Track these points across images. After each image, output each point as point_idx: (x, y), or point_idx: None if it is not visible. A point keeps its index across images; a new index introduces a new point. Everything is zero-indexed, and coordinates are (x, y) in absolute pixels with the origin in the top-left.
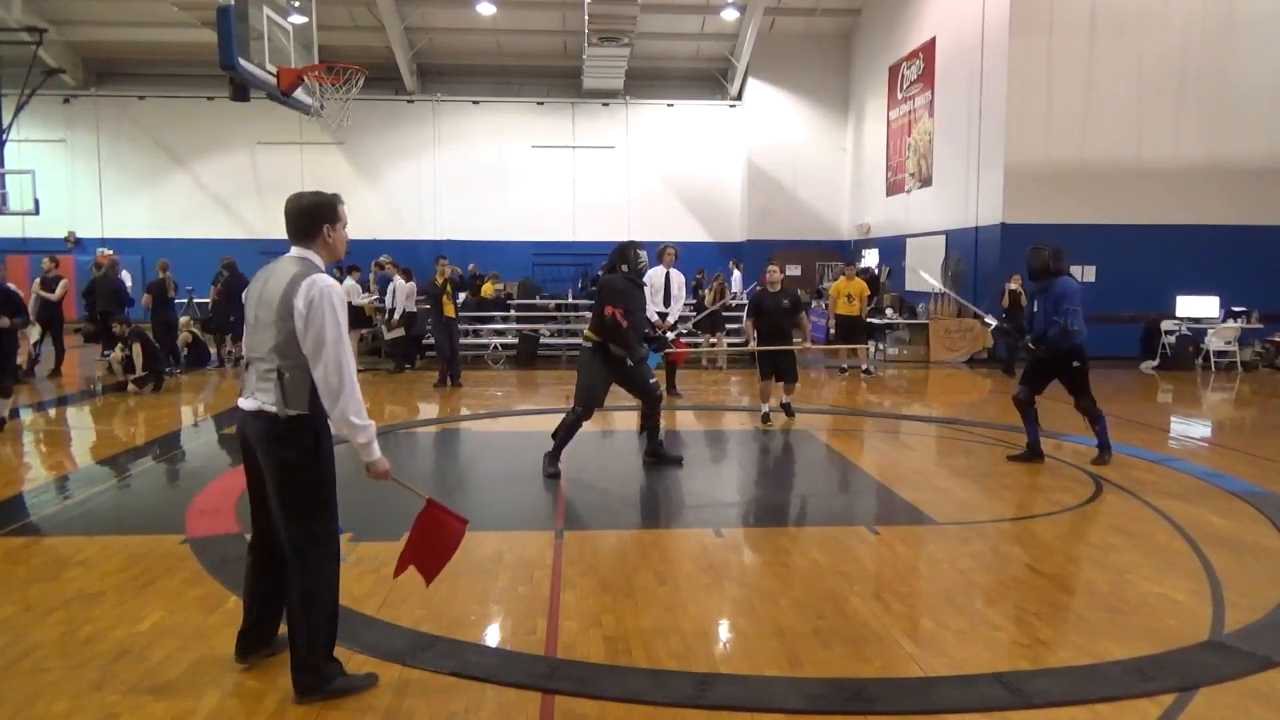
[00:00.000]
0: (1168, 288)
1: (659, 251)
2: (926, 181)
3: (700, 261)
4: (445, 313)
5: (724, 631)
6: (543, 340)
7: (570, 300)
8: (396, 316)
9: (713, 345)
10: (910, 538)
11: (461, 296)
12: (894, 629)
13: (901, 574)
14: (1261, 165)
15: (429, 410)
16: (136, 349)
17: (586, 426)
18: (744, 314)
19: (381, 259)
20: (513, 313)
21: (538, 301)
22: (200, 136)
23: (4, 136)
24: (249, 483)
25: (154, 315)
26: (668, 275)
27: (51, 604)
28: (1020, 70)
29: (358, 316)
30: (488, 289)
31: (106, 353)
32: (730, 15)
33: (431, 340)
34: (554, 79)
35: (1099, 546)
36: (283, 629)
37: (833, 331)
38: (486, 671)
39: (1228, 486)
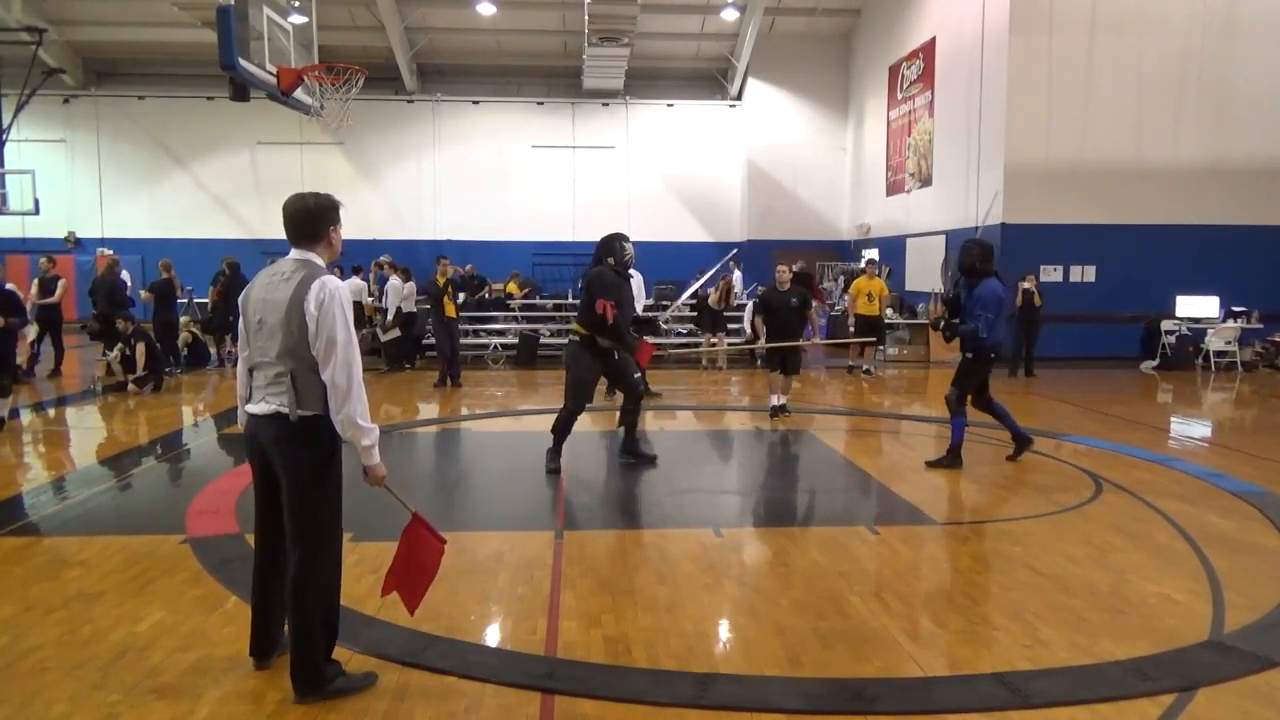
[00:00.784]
0: (1168, 288)
1: None
2: (926, 181)
3: (700, 261)
4: (446, 313)
5: (724, 631)
6: (543, 340)
7: (570, 300)
8: (390, 316)
9: (713, 345)
10: (910, 538)
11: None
12: (894, 629)
13: (901, 574)
14: (1261, 165)
15: (429, 410)
16: (140, 348)
17: (587, 427)
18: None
19: (381, 259)
20: (519, 311)
21: (538, 301)
22: (200, 136)
23: (4, 136)
24: (257, 487)
25: (156, 315)
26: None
27: (51, 604)
28: (1020, 70)
29: (358, 316)
30: (512, 287)
31: (107, 353)
32: (730, 15)
33: (432, 340)
34: (554, 79)
35: (1099, 546)
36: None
37: (852, 330)
38: (486, 671)
39: (1228, 486)
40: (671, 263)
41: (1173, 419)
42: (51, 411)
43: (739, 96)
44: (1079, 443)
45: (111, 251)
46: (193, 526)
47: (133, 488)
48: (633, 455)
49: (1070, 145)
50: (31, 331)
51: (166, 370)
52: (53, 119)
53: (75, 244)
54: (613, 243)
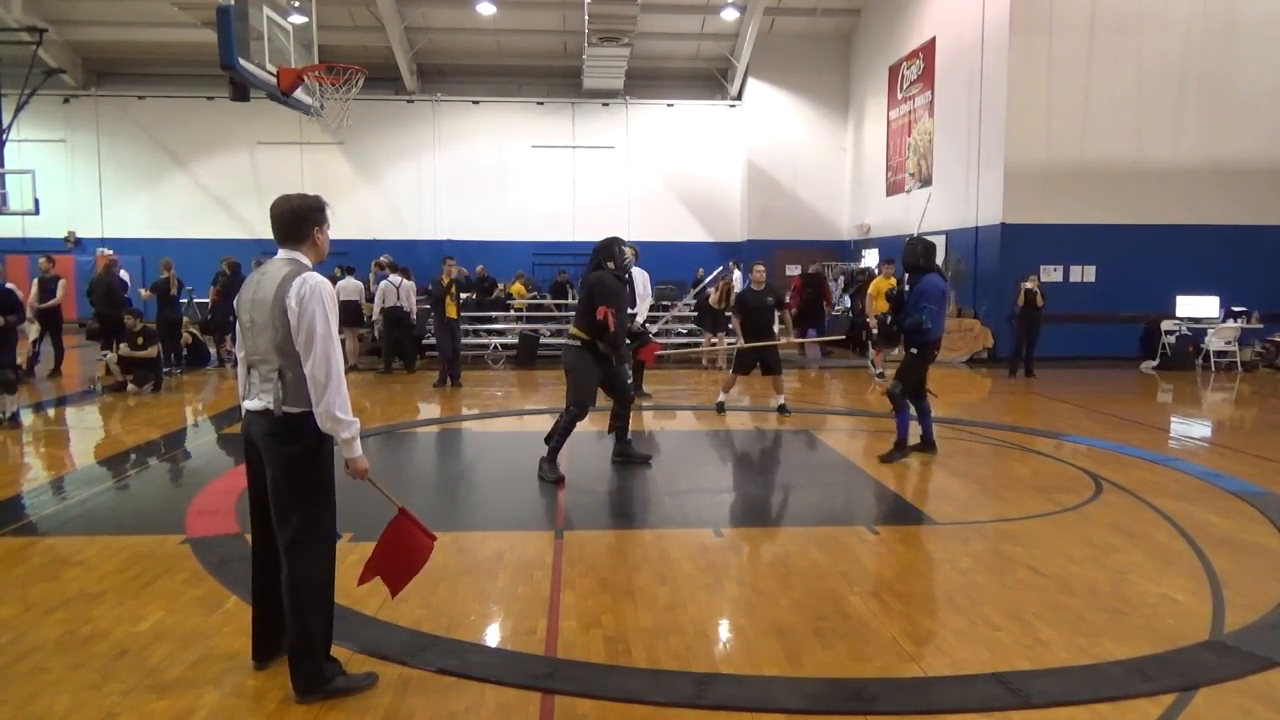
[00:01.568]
0: (1168, 288)
1: None
2: (926, 181)
3: (701, 261)
4: (447, 314)
5: (724, 631)
6: (543, 340)
7: (570, 300)
8: (376, 314)
9: (713, 345)
10: (910, 538)
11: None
12: (894, 629)
13: (901, 574)
14: (1261, 165)
15: (429, 410)
16: (153, 349)
17: (586, 427)
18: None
19: (381, 259)
20: (523, 311)
21: (546, 301)
22: (200, 136)
23: (4, 136)
24: (251, 484)
25: (159, 314)
26: (631, 275)
27: (51, 604)
28: (1020, 70)
29: (355, 316)
30: (518, 289)
31: (105, 353)
32: (730, 15)
33: (433, 340)
34: (554, 79)
35: (1099, 546)
36: None
37: (875, 331)
38: (486, 671)
39: (1228, 486)
40: (671, 263)
41: (1173, 419)
42: (51, 411)
43: (739, 96)
44: (1079, 443)
45: (110, 251)
46: (193, 526)
47: (132, 488)
48: (625, 458)
49: (1070, 145)
50: (33, 331)
51: (166, 370)
52: (53, 119)
53: (75, 244)
54: (611, 247)
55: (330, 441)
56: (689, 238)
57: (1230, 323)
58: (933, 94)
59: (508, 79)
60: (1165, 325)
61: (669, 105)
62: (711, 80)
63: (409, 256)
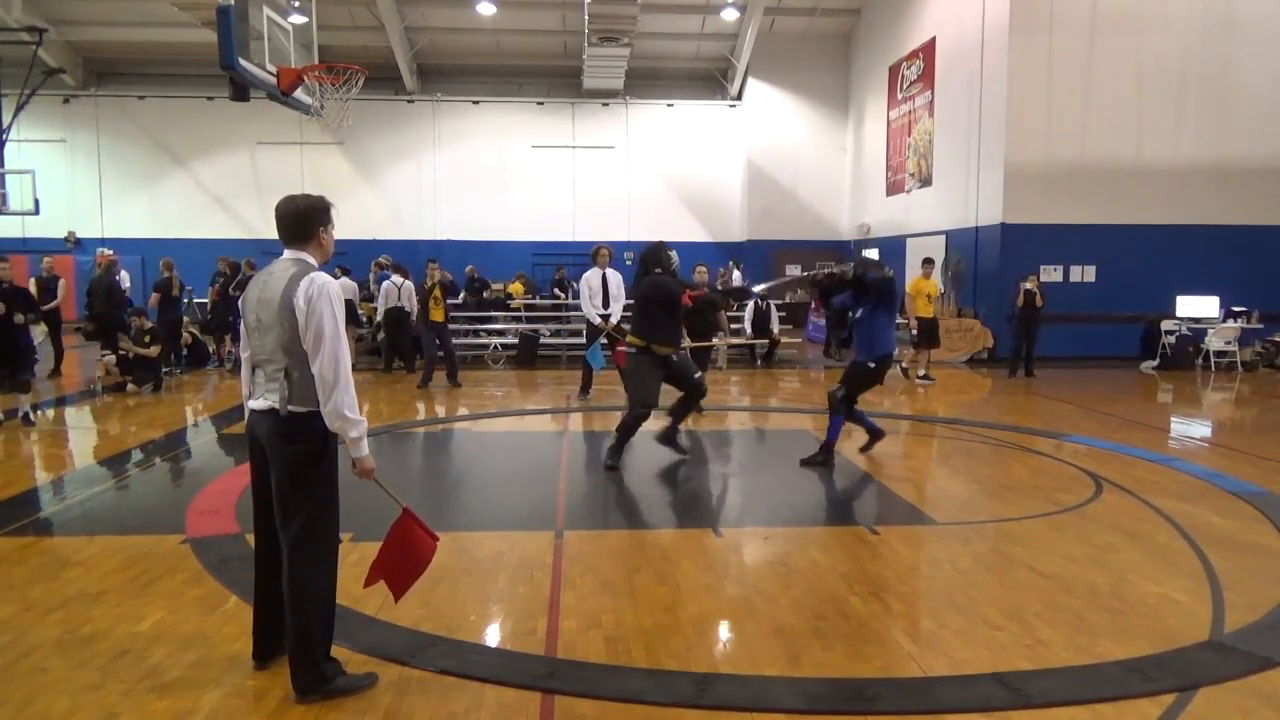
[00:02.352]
0: (1168, 288)
1: (593, 253)
2: (926, 181)
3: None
4: (432, 316)
5: (724, 631)
6: (543, 340)
7: (570, 300)
8: (379, 317)
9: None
10: (910, 538)
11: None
12: (894, 629)
13: (901, 574)
14: (1261, 165)
15: (429, 410)
16: (155, 349)
17: (586, 426)
18: (745, 313)
19: (381, 259)
20: (523, 311)
21: (538, 301)
22: (200, 136)
23: (4, 136)
24: (255, 483)
25: (160, 314)
26: (605, 276)
27: (51, 604)
28: (1020, 70)
29: (351, 316)
30: (516, 289)
31: (105, 353)
32: (730, 15)
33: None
34: (554, 79)
35: (1099, 546)
36: None
37: (914, 334)
38: (486, 671)
39: (1228, 486)
40: None
41: (1173, 419)
42: (51, 411)
43: (739, 96)
44: (1079, 443)
45: (110, 251)
46: (193, 526)
47: (132, 488)
48: (668, 444)
49: (1070, 145)
50: (39, 333)
51: (166, 370)
52: (53, 119)
53: (75, 244)
54: (659, 252)
55: (335, 442)
56: (689, 238)
57: (1230, 323)
58: (933, 94)
59: (508, 79)
60: (1165, 325)
61: (669, 105)
62: (711, 80)
63: (409, 256)
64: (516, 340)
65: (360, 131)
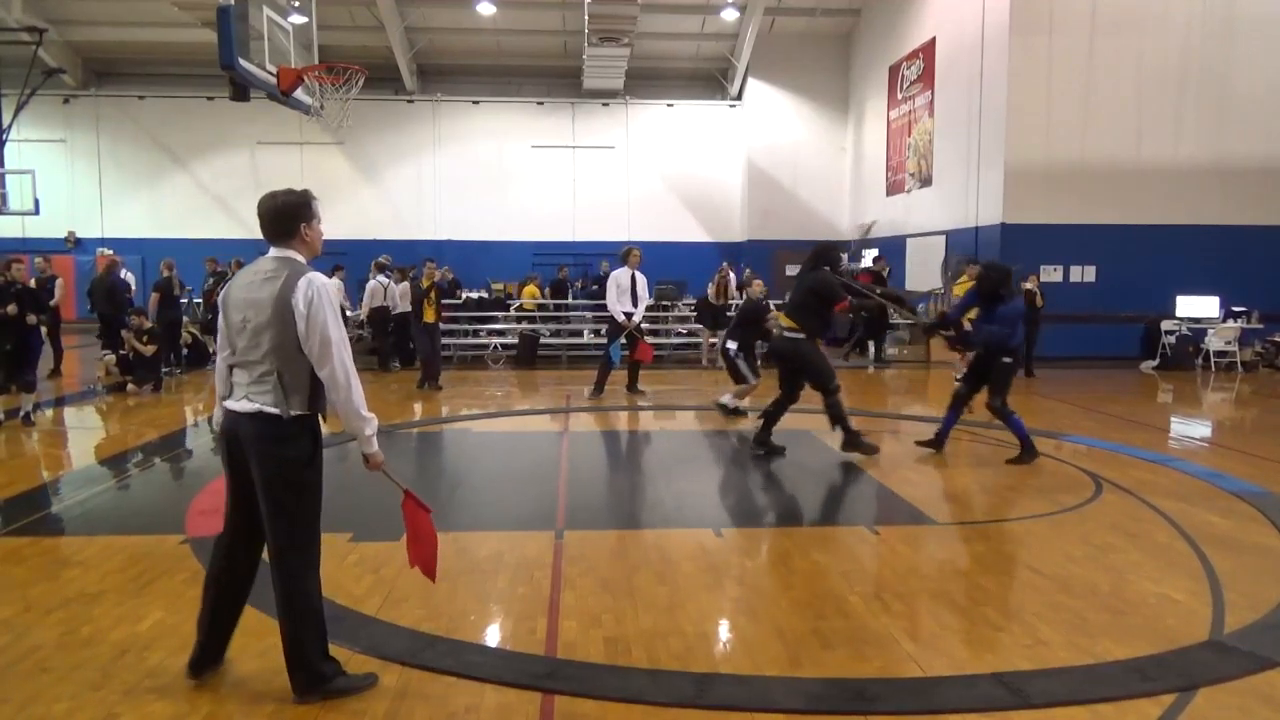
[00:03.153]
0: (1168, 288)
1: (624, 254)
2: (926, 181)
3: (701, 261)
4: (425, 317)
5: (724, 631)
6: (543, 340)
7: (570, 300)
8: (363, 316)
9: (713, 345)
10: (910, 538)
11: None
12: (894, 629)
13: (901, 574)
14: (1261, 165)
15: (428, 410)
16: (152, 348)
17: (586, 426)
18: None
19: (381, 259)
20: (534, 312)
21: (565, 302)
22: (200, 136)
23: (4, 136)
24: (233, 486)
25: (160, 314)
26: (634, 276)
27: (51, 604)
28: (1020, 70)
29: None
30: (531, 291)
31: (105, 352)
32: (730, 15)
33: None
34: (554, 79)
35: (1099, 546)
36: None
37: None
38: (486, 671)
39: (1228, 486)
40: (671, 263)
41: (1173, 419)
42: (51, 411)
43: (739, 96)
44: (1079, 443)
45: (111, 252)
46: (193, 526)
47: (133, 488)
48: (766, 447)
49: (1070, 145)
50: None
51: (166, 370)
52: (53, 119)
53: (75, 244)
54: (830, 251)
55: (322, 444)
56: (689, 238)
57: (1230, 323)
58: (933, 94)
59: (508, 79)
60: (1165, 325)
61: (669, 105)
62: (711, 80)
63: (409, 256)
64: (516, 340)
65: (360, 131)
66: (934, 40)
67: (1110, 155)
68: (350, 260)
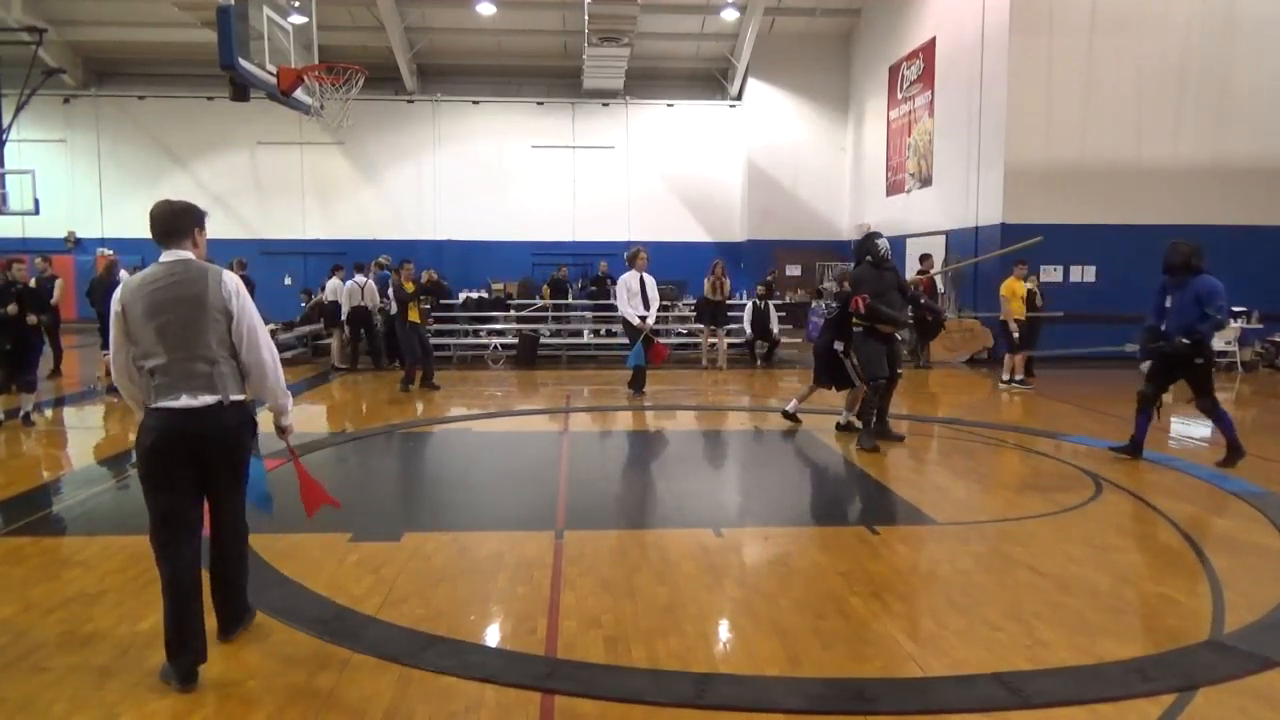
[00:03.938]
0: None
1: (631, 255)
2: (926, 181)
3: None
4: (410, 318)
5: (724, 631)
6: (542, 340)
7: (570, 300)
8: (343, 315)
9: (713, 345)
10: (910, 538)
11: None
12: (894, 629)
13: (901, 574)
14: (1261, 165)
15: (428, 411)
16: None
17: (586, 426)
18: (744, 313)
19: (381, 259)
20: (550, 311)
21: (537, 301)
22: (200, 136)
23: (4, 136)
24: (179, 484)
25: None
26: (642, 278)
27: (51, 604)
28: (1020, 70)
29: (337, 315)
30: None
31: (105, 352)
32: (730, 15)
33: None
34: (554, 79)
35: (1099, 546)
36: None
37: (1017, 338)
38: (486, 671)
39: (1228, 486)
40: (671, 263)
41: (1173, 419)
42: (51, 411)
43: (739, 96)
44: (1079, 443)
45: (111, 251)
46: None
47: (132, 488)
48: (883, 435)
49: (1070, 145)
50: None
51: None
52: (53, 119)
53: (75, 244)
54: (866, 243)
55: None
56: (689, 238)
57: (1230, 323)
58: (933, 94)
59: (508, 79)
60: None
61: (669, 105)
62: (711, 80)
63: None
64: (516, 340)
65: (360, 131)
66: (934, 40)
67: (1110, 155)
68: (350, 260)
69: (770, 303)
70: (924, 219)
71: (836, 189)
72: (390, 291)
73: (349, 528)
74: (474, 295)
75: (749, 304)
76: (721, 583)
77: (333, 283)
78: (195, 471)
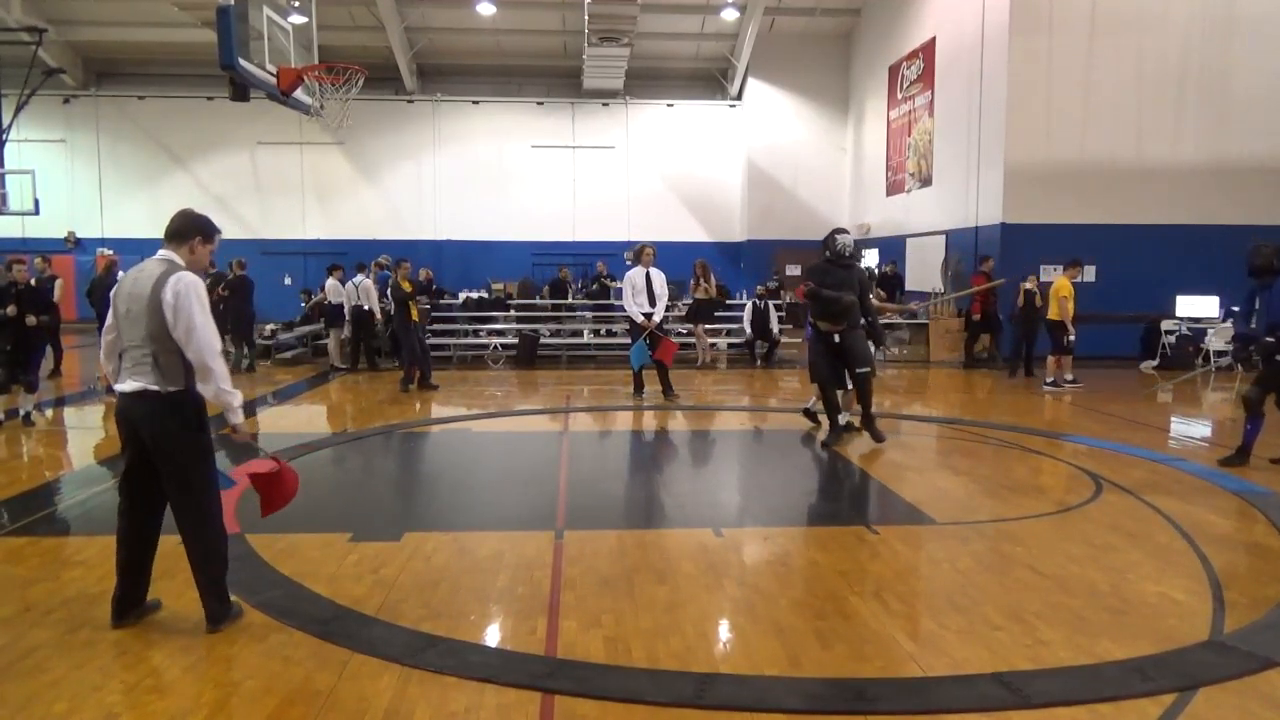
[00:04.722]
0: (1168, 288)
1: (637, 251)
2: (926, 181)
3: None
4: (410, 317)
5: (724, 631)
6: (542, 340)
7: (570, 300)
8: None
9: (713, 345)
10: (910, 538)
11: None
12: (894, 629)
13: (901, 574)
14: (1261, 165)
15: (428, 411)
16: None
17: (586, 426)
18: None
19: (381, 259)
20: (563, 313)
21: (538, 301)
22: (200, 136)
23: (4, 136)
24: (127, 460)
25: None
26: (648, 275)
27: (51, 604)
28: (1020, 70)
29: (336, 316)
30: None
31: None
32: (730, 15)
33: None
34: (554, 79)
35: (1099, 546)
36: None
37: (1071, 339)
38: (486, 671)
39: (1228, 486)
40: (671, 263)
41: (1173, 419)
42: (51, 411)
43: (739, 96)
44: (1079, 443)
45: (111, 251)
46: None
47: None
48: (870, 431)
49: (1070, 145)
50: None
51: None
52: (53, 119)
53: (75, 244)
54: (827, 238)
55: (205, 413)
56: (689, 238)
57: (1230, 323)
58: (933, 94)
59: (508, 79)
60: (1165, 325)
61: (669, 105)
62: (711, 80)
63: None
64: (516, 340)
65: (360, 131)
66: (934, 40)
67: (1110, 155)
68: (350, 260)
69: (770, 303)
70: (924, 219)
71: (836, 189)
72: (389, 291)
73: (349, 528)
74: (474, 295)
75: (749, 304)
76: (721, 583)
77: (331, 283)
78: (137, 453)
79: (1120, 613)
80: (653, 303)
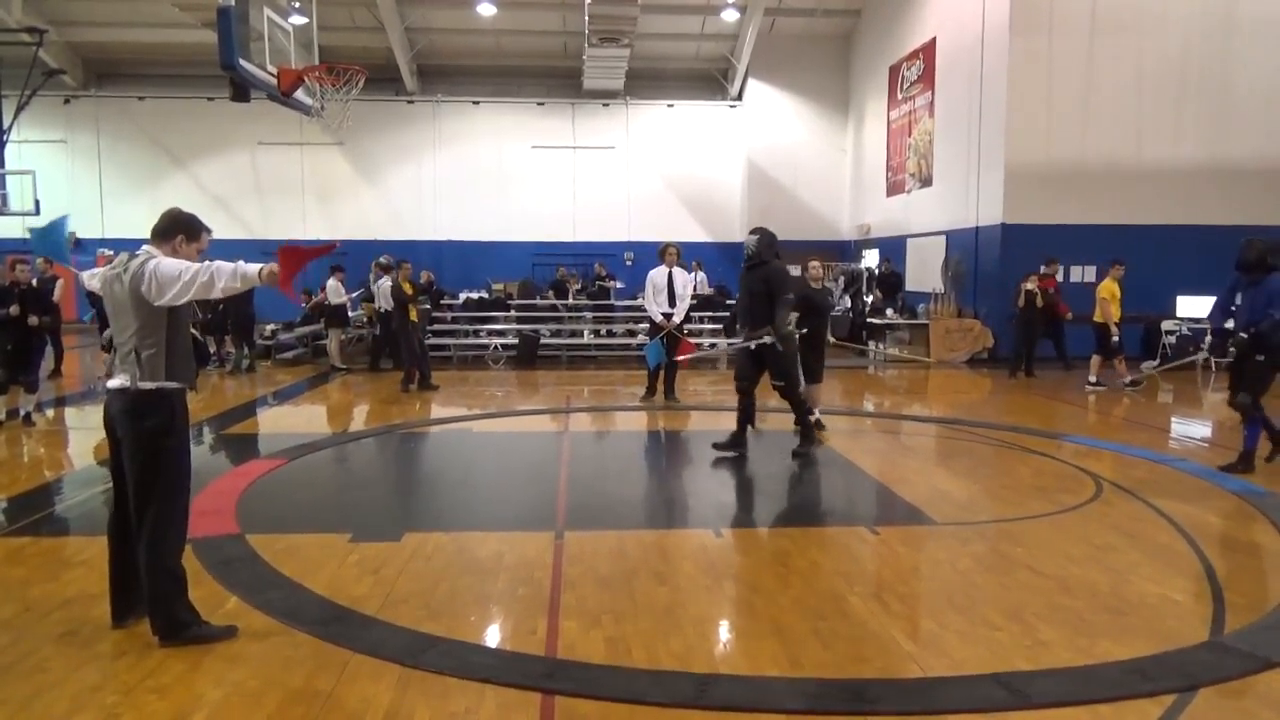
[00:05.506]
0: (1168, 288)
1: (661, 250)
2: (926, 181)
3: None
4: (410, 318)
5: (724, 631)
6: (543, 340)
7: (570, 300)
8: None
9: (713, 346)
10: (910, 538)
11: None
12: (894, 629)
13: (901, 574)
14: (1261, 165)
15: (428, 411)
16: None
17: (586, 426)
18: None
19: (381, 259)
20: (567, 313)
21: (538, 301)
22: (200, 137)
23: (4, 137)
24: (113, 457)
25: None
26: (670, 274)
27: (51, 604)
28: (1020, 70)
29: (337, 315)
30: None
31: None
32: (730, 15)
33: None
34: (554, 79)
35: (1099, 546)
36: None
37: (1117, 340)
38: (486, 671)
39: (1228, 487)
40: None
41: (1173, 419)
42: (51, 412)
43: (739, 97)
44: (1079, 443)
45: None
46: (193, 527)
47: None
48: (802, 434)
49: (1070, 145)
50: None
51: None
52: (53, 119)
53: (75, 245)
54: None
55: (182, 420)
56: (689, 238)
57: (1230, 323)
58: (933, 94)
59: (508, 79)
60: (1165, 325)
61: (669, 105)
62: (711, 80)
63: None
64: (516, 340)
65: (360, 132)
66: (934, 41)
67: (1110, 155)
68: (350, 261)
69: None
70: (924, 219)
71: (836, 189)
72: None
73: (349, 528)
74: (474, 296)
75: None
76: (721, 583)
77: (332, 283)
78: (118, 450)
79: (1120, 613)
80: (673, 303)
